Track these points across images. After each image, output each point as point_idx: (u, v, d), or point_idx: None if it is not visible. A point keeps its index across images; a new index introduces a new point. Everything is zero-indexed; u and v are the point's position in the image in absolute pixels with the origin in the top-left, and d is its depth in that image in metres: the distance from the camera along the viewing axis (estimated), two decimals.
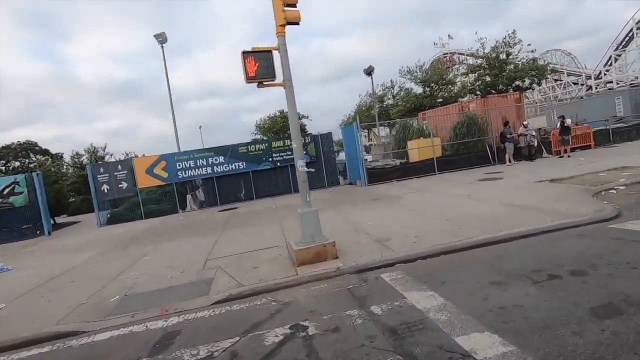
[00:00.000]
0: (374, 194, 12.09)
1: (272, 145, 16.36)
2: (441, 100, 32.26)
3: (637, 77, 50.66)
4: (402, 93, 44.46)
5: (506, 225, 5.83)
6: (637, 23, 48.42)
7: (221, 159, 15.97)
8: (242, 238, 8.02)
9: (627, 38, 50.42)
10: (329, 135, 17.32)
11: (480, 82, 34.69)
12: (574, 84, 58.72)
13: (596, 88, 54.11)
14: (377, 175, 14.98)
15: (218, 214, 13.22)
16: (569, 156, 14.36)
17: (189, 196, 16.24)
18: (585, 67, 58.50)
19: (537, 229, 5.48)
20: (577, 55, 62.02)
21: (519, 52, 37.11)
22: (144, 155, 23.21)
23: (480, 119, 16.04)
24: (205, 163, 15.95)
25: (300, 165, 5.57)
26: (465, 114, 16.60)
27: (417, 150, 15.78)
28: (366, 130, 46.24)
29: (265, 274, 5.15)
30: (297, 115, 6.20)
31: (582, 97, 40.57)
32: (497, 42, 36.46)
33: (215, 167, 15.96)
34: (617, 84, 49.17)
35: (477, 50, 38.33)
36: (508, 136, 14.67)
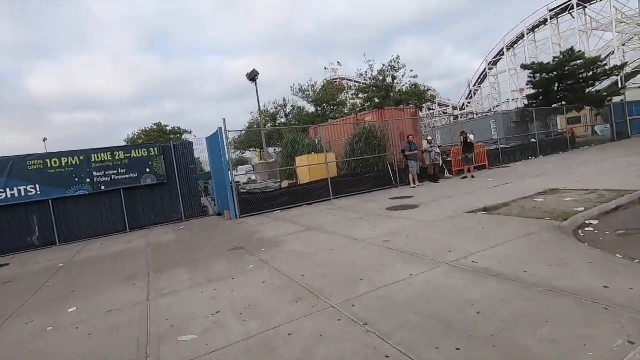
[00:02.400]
0: (241, 235, 7.74)
1: (92, 159, 10.63)
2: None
3: (490, 110, 58.90)
4: (294, 111, 41.97)
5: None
6: (489, 64, 56.70)
7: None
8: None
9: (482, 76, 58.71)
10: (188, 146, 12.42)
11: (369, 103, 34.53)
12: (444, 113, 65.87)
13: (460, 117, 61.30)
14: (254, 203, 10.69)
15: None
16: (473, 177, 12.58)
17: None
18: (449, 100, 66.91)
19: None
20: (440, 92, 70.71)
21: (403, 76, 38.51)
22: None
23: (380, 132, 13.41)
24: None
25: None
26: (363, 126, 13.85)
27: (308, 168, 12.14)
28: (258, 150, 42.18)
29: None
30: None
31: (456, 120, 44.40)
32: (383, 65, 37.05)
33: None
34: (476, 114, 56.48)
35: (366, 72, 38.60)
36: (409, 153, 12.20)
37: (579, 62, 18.64)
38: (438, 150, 13.44)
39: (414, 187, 12.09)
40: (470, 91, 60.01)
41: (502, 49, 53.68)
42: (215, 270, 5.13)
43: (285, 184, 13.04)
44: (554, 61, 19.38)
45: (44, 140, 69.07)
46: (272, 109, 45.52)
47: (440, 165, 13.80)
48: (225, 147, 10.29)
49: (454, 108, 62.20)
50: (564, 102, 22.39)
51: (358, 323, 2.91)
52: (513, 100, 53.05)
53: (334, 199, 11.63)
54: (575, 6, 45.48)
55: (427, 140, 13.66)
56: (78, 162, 10.46)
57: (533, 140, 20.12)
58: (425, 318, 2.85)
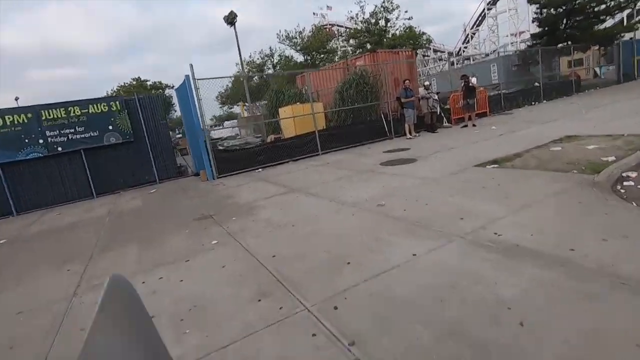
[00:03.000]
0: (213, 200, 6.70)
1: (43, 117, 9.22)
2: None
3: (487, 54, 56.17)
4: (282, 61, 39.33)
5: None
6: (487, 4, 52.97)
7: None
8: None
9: (480, 18, 55.14)
10: (156, 99, 10.93)
11: (361, 49, 32.41)
12: (439, 59, 62.82)
13: (457, 63, 58.53)
14: (233, 161, 9.55)
15: None
16: (474, 125, 11.44)
17: None
18: (443, 46, 63.45)
19: None
20: (434, 38, 66.97)
21: (397, 18, 35.60)
22: None
23: (372, 77, 11.97)
24: None
25: None
26: (354, 71, 12.35)
27: (293, 121, 10.86)
28: (241, 103, 40.06)
29: None
30: None
31: (453, 66, 42.13)
32: (375, 6, 34.07)
33: None
34: (474, 59, 53.86)
35: (357, 14, 35.61)
36: (405, 100, 10.91)
37: None
38: (436, 97, 12.14)
39: (410, 138, 10.98)
40: (467, 35, 56.69)
41: None
42: (169, 249, 4.14)
43: (270, 139, 11.84)
44: None
45: (16, 99, 65.38)
46: (258, 59, 42.56)
47: (439, 113, 12.58)
48: (195, 97, 8.90)
49: (450, 54, 59.17)
50: (569, 42, 20.70)
51: (340, 341, 1.96)
52: (511, 44, 50.33)
53: (322, 153, 10.53)
54: None
55: (424, 86, 12.30)
56: (26, 121, 9.05)
57: (536, 84, 18.79)
58: (442, 334, 1.90)
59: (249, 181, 8.02)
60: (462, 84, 11.54)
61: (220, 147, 10.54)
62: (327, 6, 69.80)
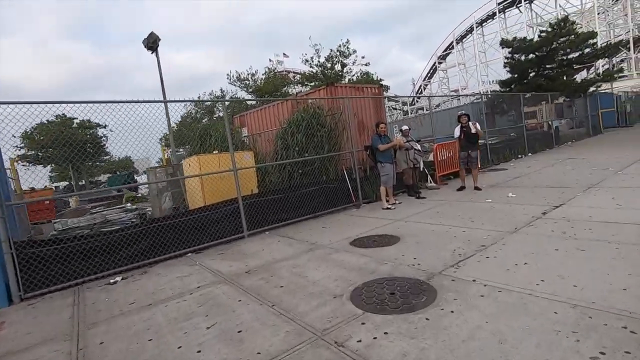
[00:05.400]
0: None
1: None
2: None
3: (438, 105, 57.40)
4: (232, 104, 36.19)
5: None
6: (438, 58, 54.86)
7: None
8: None
9: (432, 71, 56.82)
10: None
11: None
12: (394, 108, 63.37)
13: (411, 113, 59.05)
14: (61, 263, 4.98)
15: None
16: (477, 187, 7.95)
17: None
18: (396, 96, 64.74)
19: None
20: (390, 86, 68.81)
21: (353, 63, 33.97)
22: None
23: (330, 116, 8.32)
24: None
25: None
26: (303, 107, 8.64)
27: (200, 181, 6.63)
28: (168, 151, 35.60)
29: None
30: None
31: (418, 112, 41.11)
32: (331, 50, 32.46)
33: None
34: (426, 110, 54.48)
35: (312, 57, 33.82)
36: (382, 148, 7.24)
37: (571, 37, 15.29)
38: (418, 147, 8.66)
39: (389, 207, 7.18)
40: (420, 86, 57.84)
41: (452, 42, 51.98)
42: None
43: (164, 211, 7.40)
44: (539, 37, 15.86)
45: None
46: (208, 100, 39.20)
47: (421, 169, 9.08)
48: None
49: (404, 103, 59.78)
50: (533, 93, 19.32)
51: None
52: (460, 96, 51.61)
53: (249, 235, 6.30)
54: (522, 0, 44.62)
55: (400, 131, 8.82)
56: None
57: (512, 134, 16.54)
58: None
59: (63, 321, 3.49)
60: (461, 129, 8.17)
61: (54, 232, 5.91)
62: (284, 54, 69.08)
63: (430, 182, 9.33)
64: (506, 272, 3.40)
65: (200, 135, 11.24)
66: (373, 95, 10.47)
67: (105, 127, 36.25)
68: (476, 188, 7.89)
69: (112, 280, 4.77)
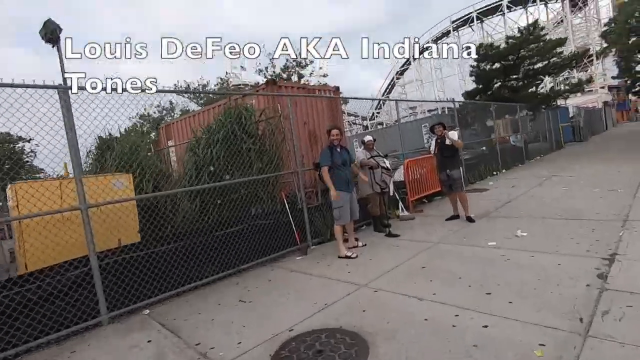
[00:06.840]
0: None
1: None
2: None
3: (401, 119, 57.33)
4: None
5: None
6: (396, 73, 55.03)
7: None
8: None
9: (390, 86, 56.89)
10: None
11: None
12: (353, 123, 62.61)
13: (371, 127, 58.44)
14: None
15: None
16: (470, 218, 5.82)
17: None
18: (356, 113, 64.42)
19: None
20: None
21: (310, 75, 32.20)
22: None
23: (266, 120, 5.88)
24: None
25: None
26: (226, 111, 6.11)
27: (19, 228, 3.85)
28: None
29: None
30: None
31: (378, 128, 39.89)
32: (287, 60, 30.54)
33: None
34: (386, 125, 54.15)
35: (266, 67, 31.82)
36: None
37: (540, 44, 14.30)
38: (387, 164, 6.41)
39: (348, 255, 4.79)
40: (379, 102, 57.51)
41: (409, 58, 52.31)
42: None
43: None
44: (507, 44, 14.74)
45: None
46: (154, 112, 35.81)
47: (391, 193, 6.83)
48: None
49: (364, 118, 59.16)
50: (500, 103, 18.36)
51: None
52: (417, 113, 51.83)
53: (110, 320, 3.58)
54: (475, 19, 45.87)
55: (363, 143, 6.55)
56: None
57: (483, 148, 15.14)
58: None
59: None
60: (435, 140, 6.07)
61: None
62: (242, 67, 66.42)
63: (403, 210, 7.10)
64: None
65: (98, 146, 8.24)
66: (327, 96, 8.26)
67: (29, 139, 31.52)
68: (468, 219, 5.76)
69: None
